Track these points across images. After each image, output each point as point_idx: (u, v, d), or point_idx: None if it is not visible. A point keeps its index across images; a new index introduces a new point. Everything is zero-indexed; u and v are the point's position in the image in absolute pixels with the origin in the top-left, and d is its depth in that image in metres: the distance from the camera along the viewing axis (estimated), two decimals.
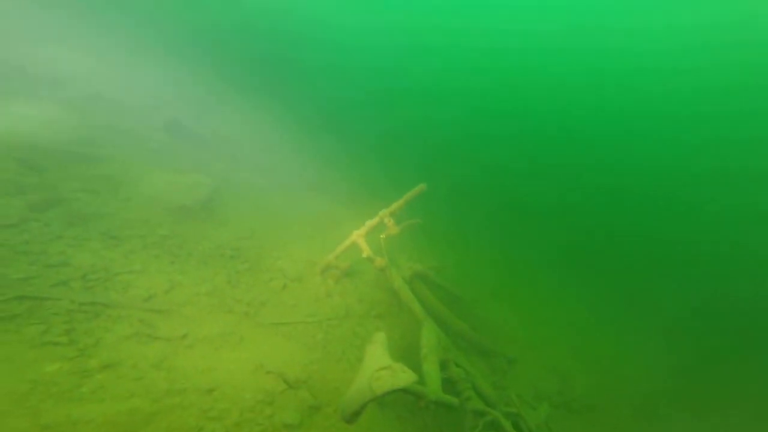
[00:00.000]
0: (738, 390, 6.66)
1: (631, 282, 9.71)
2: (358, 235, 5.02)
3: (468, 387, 3.71)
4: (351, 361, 3.84)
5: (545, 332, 6.89)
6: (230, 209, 6.29)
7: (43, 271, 3.12)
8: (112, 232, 4.01)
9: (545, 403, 4.57)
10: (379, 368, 2.49)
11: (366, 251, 4.92)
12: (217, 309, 3.79)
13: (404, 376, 2.49)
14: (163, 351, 2.95)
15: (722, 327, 8.39)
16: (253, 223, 6.13)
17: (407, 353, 4.50)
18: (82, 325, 2.77)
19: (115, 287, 3.30)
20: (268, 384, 3.08)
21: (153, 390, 2.57)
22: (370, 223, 4.85)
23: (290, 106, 11.52)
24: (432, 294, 5.32)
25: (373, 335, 3.03)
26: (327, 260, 5.30)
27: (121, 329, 2.92)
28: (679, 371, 6.81)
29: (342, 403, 2.43)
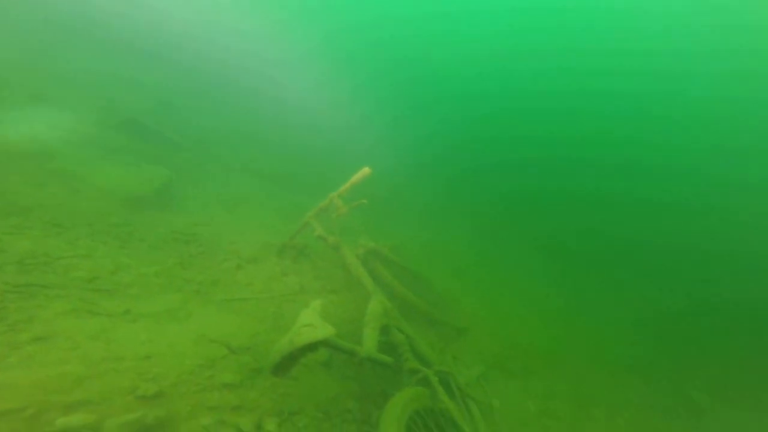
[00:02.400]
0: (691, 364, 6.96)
1: (594, 265, 9.96)
2: (310, 216, 5.22)
3: (407, 350, 3.88)
4: None
5: (502, 308, 7.09)
6: (189, 200, 6.31)
7: None
8: (57, 220, 4.02)
9: (481, 365, 4.76)
10: (301, 325, 2.62)
11: (318, 230, 5.07)
12: (166, 289, 3.85)
13: (323, 330, 2.62)
14: (103, 325, 3.00)
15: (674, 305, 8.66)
16: (212, 211, 6.16)
17: (359, 326, 4.64)
18: (14, 304, 2.80)
19: (55, 270, 3.33)
20: (211, 351, 3.17)
21: (87, 358, 2.63)
22: (322, 204, 5.09)
23: (254, 106, 11.49)
24: (386, 270, 5.46)
25: (310, 303, 3.14)
26: (282, 241, 5.41)
27: (58, 306, 2.96)
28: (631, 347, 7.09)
29: (267, 358, 2.56)
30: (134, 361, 2.77)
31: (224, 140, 10.17)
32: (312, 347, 2.71)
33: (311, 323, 2.67)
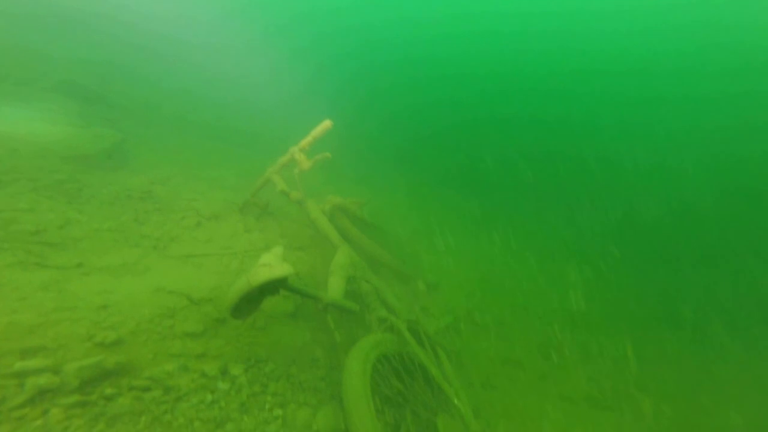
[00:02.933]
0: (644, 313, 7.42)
1: (554, 214, 10.31)
2: (271, 172, 5.12)
3: (375, 299, 3.96)
4: None
5: (468, 263, 7.31)
6: (143, 160, 6.03)
7: None
8: None
9: (450, 316, 4.95)
10: (259, 265, 2.60)
11: (280, 185, 4.99)
12: (121, 244, 3.72)
13: (281, 269, 2.62)
14: (53, 277, 2.89)
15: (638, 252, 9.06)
16: (168, 171, 5.92)
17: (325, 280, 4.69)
18: None
19: None
20: (170, 302, 3.12)
21: (39, 307, 2.54)
22: (282, 159, 4.98)
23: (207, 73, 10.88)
24: (354, 226, 5.48)
25: (271, 248, 3.12)
26: (244, 198, 5.30)
27: (1, 259, 2.82)
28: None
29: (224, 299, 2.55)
30: (89, 311, 2.69)
31: (176, 102, 9.67)
32: (272, 289, 2.72)
33: (268, 263, 2.66)
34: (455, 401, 3.01)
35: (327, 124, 4.88)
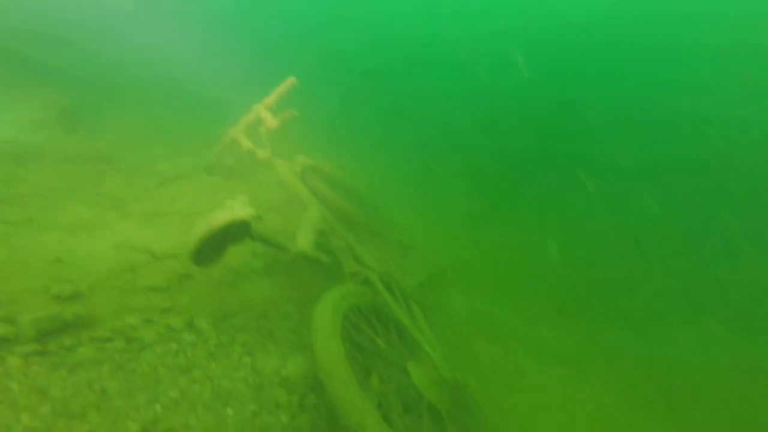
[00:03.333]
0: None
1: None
2: (235, 131, 4.94)
3: (347, 254, 3.95)
4: None
5: (447, 228, 7.34)
6: (98, 126, 5.70)
7: None
8: None
9: (425, 273, 5.01)
10: (220, 208, 2.54)
11: (245, 144, 4.84)
12: (76, 202, 3.55)
13: (243, 211, 2.57)
14: (2, 231, 2.73)
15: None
16: (128, 137, 5.64)
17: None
18: None
19: None
20: (132, 257, 3.03)
21: None
22: (245, 118, 4.81)
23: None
24: (328, 188, 5.41)
25: (236, 196, 3.03)
26: (208, 160, 5.13)
27: None
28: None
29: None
30: (43, 265, 2.59)
31: (128, 71, 9.09)
32: (235, 234, 2.68)
33: (229, 206, 2.60)
34: (426, 348, 3.08)
35: (291, 80, 4.77)
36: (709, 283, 7.08)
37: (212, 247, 2.65)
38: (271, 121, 4.72)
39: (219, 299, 3.16)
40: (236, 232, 2.76)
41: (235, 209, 2.51)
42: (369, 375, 2.83)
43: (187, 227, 3.84)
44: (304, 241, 3.60)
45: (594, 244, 7.94)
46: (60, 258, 2.68)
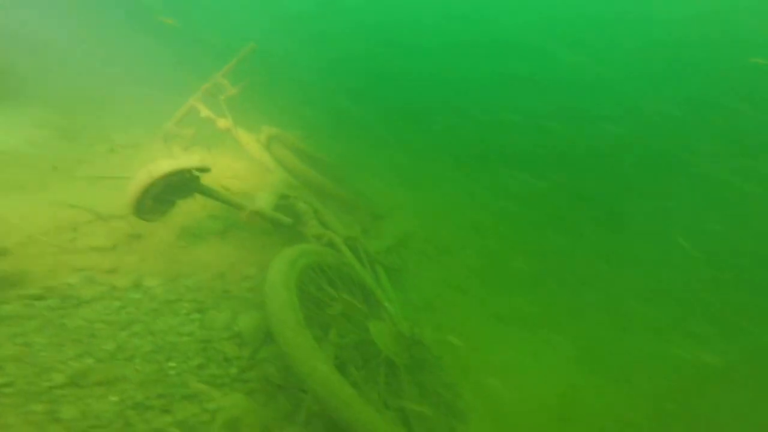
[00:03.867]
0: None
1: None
2: (194, 99, 4.76)
3: (311, 217, 3.82)
4: None
5: (417, 197, 7.25)
6: (36, 96, 5.30)
7: None
8: None
9: (393, 239, 4.92)
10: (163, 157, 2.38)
11: (204, 112, 4.65)
12: (10, 165, 3.28)
13: (187, 160, 2.41)
14: None
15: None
16: (71, 104, 5.28)
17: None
18: None
19: None
20: (72, 216, 2.81)
21: None
22: (205, 86, 4.70)
23: None
24: (294, 157, 5.24)
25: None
26: (165, 128, 4.87)
27: None
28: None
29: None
30: None
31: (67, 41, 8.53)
32: (182, 187, 2.51)
33: (176, 157, 2.43)
34: (388, 307, 3.00)
35: (252, 46, 4.77)
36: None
37: (157, 199, 2.47)
38: (230, 89, 4.67)
39: (171, 260, 2.98)
40: (182, 184, 2.59)
41: (180, 158, 2.35)
42: (327, 330, 2.73)
43: None
44: (262, 201, 3.47)
45: (566, 213, 8.01)
46: None
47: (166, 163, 2.32)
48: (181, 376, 1.92)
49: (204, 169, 2.71)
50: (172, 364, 1.97)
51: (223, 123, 4.65)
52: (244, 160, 5.14)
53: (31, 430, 1.48)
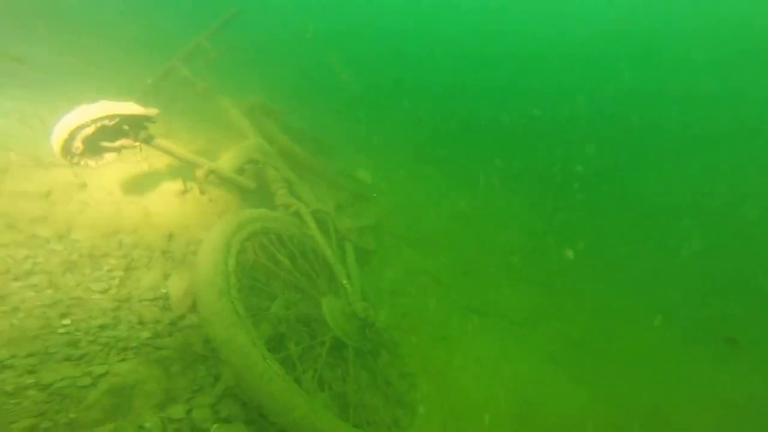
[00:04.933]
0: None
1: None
2: (176, 59, 4.56)
3: (281, 186, 3.55)
4: None
5: (402, 184, 6.89)
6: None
7: None
8: None
9: (370, 219, 4.61)
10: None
11: (184, 71, 4.44)
12: None
13: (126, 105, 2.13)
14: None
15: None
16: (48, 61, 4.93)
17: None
18: None
19: None
20: (4, 158, 2.51)
21: None
22: (187, 48, 4.60)
23: None
24: (276, 128, 4.93)
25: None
26: (144, 86, 4.62)
27: None
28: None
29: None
30: None
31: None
32: (125, 136, 2.21)
33: (113, 102, 2.13)
34: (344, 282, 2.70)
35: (235, 10, 4.65)
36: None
37: (90, 143, 2.18)
38: (212, 52, 4.54)
39: (115, 215, 2.67)
40: (123, 131, 2.30)
41: (123, 104, 2.09)
42: (273, 300, 2.44)
43: None
44: (224, 161, 3.20)
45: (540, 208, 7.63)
46: None
47: (106, 106, 2.04)
48: (70, 335, 1.62)
49: (149, 118, 2.42)
50: (65, 321, 1.67)
51: (202, 86, 4.43)
52: (222, 124, 4.83)
53: None
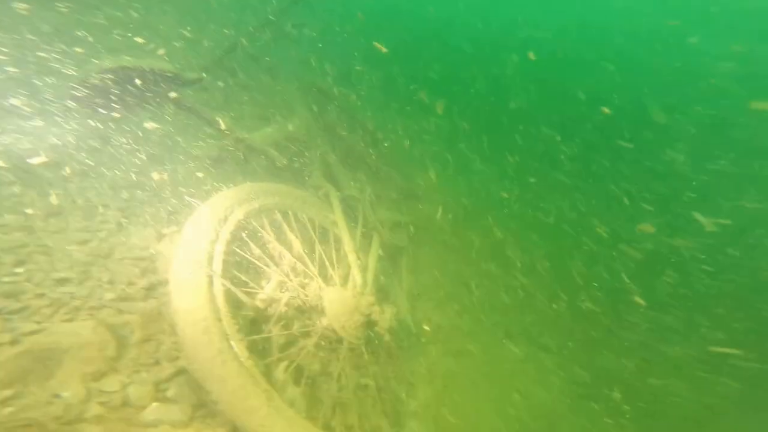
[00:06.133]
0: None
1: None
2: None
3: (318, 167, 3.40)
4: None
5: (457, 181, 6.27)
6: None
7: None
8: None
9: (407, 216, 4.16)
10: None
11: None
12: None
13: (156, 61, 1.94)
14: None
15: None
16: None
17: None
18: None
19: None
20: None
21: None
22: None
23: None
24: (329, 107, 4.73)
25: None
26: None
27: None
28: None
29: None
30: None
31: None
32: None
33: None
34: (354, 273, 2.33)
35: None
36: None
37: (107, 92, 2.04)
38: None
39: (133, 170, 2.52)
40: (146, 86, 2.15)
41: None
42: (269, 281, 2.12)
43: None
44: (260, 134, 3.04)
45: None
46: None
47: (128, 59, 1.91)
48: (15, 285, 1.39)
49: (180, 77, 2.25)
50: (18, 269, 1.46)
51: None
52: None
53: None
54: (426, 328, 3.13)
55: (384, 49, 5.76)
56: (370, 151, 4.82)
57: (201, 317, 1.39)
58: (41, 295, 1.40)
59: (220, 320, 1.45)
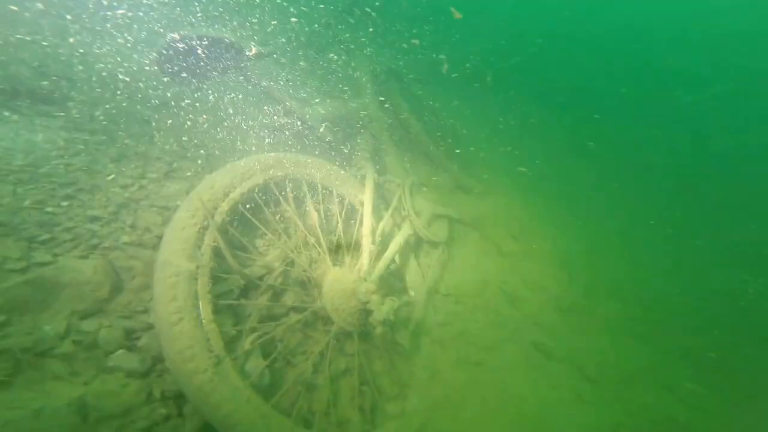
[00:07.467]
0: None
1: None
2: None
3: (365, 149, 3.42)
4: None
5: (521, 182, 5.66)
6: None
7: None
8: None
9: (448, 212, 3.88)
10: None
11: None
12: None
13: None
14: None
15: None
16: None
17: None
18: None
19: None
20: None
21: None
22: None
23: None
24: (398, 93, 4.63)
25: None
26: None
27: None
28: None
29: None
30: None
31: None
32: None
33: None
34: (364, 258, 2.25)
35: None
36: None
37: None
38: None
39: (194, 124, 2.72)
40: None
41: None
42: (272, 249, 2.15)
43: None
44: (316, 110, 3.14)
45: None
46: None
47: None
48: (53, 217, 1.62)
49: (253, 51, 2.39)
50: (63, 203, 1.69)
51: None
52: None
53: None
54: (441, 329, 2.94)
55: (458, 15, 5.37)
56: (432, 140, 4.60)
57: (172, 272, 1.43)
58: (70, 229, 1.61)
59: (195, 278, 1.48)
